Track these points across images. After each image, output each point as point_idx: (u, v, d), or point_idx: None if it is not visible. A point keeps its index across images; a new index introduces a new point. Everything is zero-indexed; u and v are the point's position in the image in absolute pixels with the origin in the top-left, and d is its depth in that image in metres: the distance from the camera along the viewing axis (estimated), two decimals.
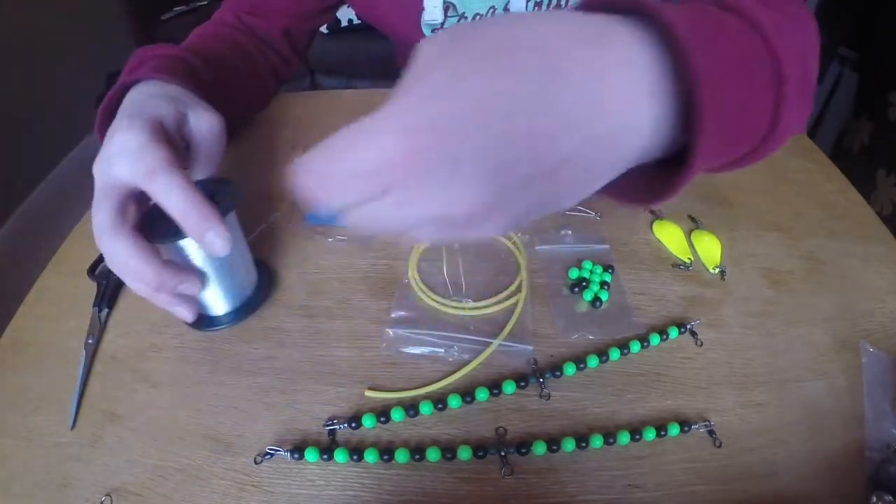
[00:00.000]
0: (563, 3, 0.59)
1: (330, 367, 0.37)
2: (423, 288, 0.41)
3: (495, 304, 0.40)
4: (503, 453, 0.32)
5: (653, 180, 0.24)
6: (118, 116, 0.34)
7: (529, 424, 0.34)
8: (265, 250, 0.45)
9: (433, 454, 0.32)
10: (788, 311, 0.40)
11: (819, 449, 0.33)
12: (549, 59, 0.19)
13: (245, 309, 0.39)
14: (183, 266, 0.34)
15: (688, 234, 0.46)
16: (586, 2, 0.23)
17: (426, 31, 0.63)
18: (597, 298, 0.40)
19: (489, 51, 0.19)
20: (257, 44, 0.61)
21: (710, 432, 0.33)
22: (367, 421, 0.33)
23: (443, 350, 0.37)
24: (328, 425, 0.33)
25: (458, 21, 0.61)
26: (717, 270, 0.43)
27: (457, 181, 0.19)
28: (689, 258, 0.44)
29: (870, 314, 0.40)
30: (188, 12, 1.92)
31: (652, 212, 0.48)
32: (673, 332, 0.38)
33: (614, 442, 0.32)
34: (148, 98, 0.36)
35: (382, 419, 0.33)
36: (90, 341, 0.39)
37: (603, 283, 0.41)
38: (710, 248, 0.44)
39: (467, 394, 0.34)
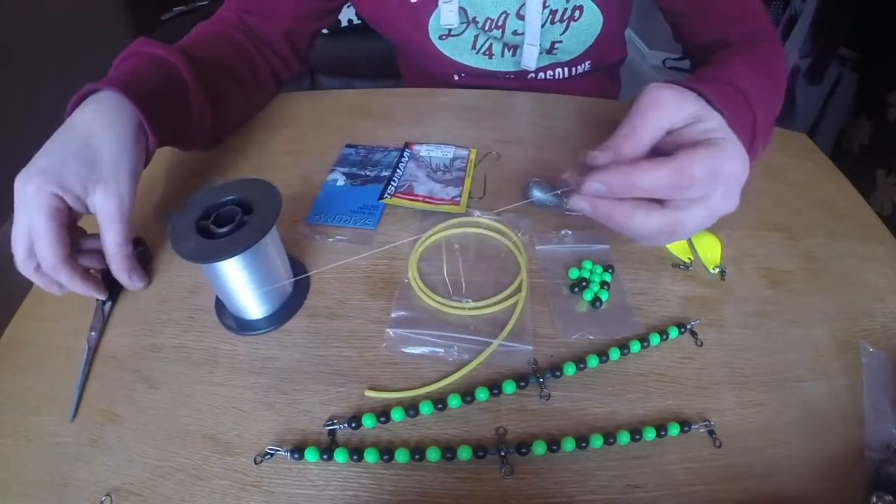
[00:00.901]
0: (576, 14, 0.59)
1: (330, 367, 0.37)
2: (423, 288, 0.41)
3: (495, 304, 0.40)
4: (503, 453, 0.32)
5: None
6: (53, 139, 0.39)
7: (529, 424, 0.34)
8: None
9: (433, 454, 0.32)
10: (788, 311, 0.40)
11: (819, 449, 0.33)
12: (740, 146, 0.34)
13: (283, 313, 0.40)
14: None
15: None
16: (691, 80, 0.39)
17: (433, 36, 0.63)
18: (597, 298, 0.40)
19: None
20: (257, 44, 0.61)
21: (710, 432, 0.33)
22: (367, 421, 0.33)
23: (443, 350, 0.37)
24: (328, 425, 0.33)
25: (469, 26, 0.61)
26: (717, 270, 0.43)
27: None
28: (689, 258, 0.44)
29: (870, 314, 0.40)
30: (188, 12, 1.91)
31: None
32: (673, 332, 0.38)
33: (614, 442, 0.32)
34: (76, 149, 0.38)
35: (382, 419, 0.33)
36: (93, 334, 0.39)
37: (603, 283, 0.41)
38: (710, 249, 0.44)
39: (467, 394, 0.34)
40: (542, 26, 0.59)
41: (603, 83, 0.76)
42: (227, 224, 0.35)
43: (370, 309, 0.40)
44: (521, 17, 0.60)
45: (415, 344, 0.38)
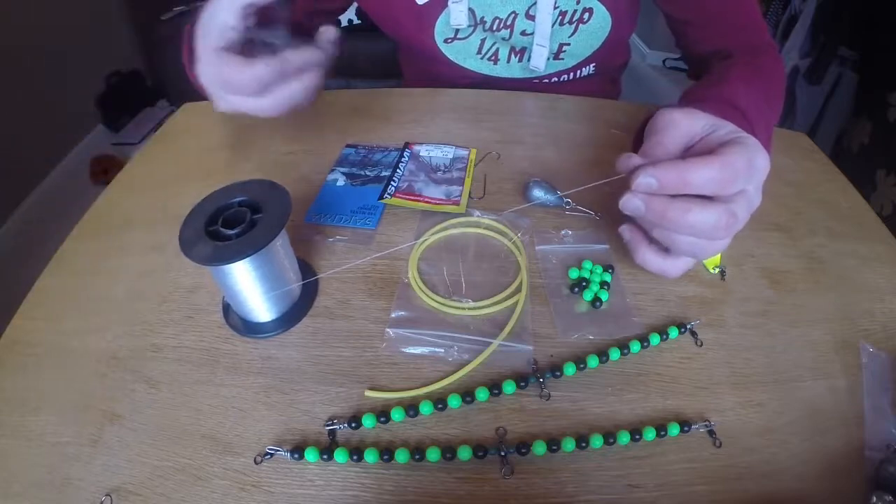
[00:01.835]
0: (586, 17, 0.59)
1: (330, 367, 0.37)
2: (423, 288, 0.41)
3: (495, 304, 0.40)
4: (503, 453, 0.32)
5: None
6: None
7: (529, 424, 0.34)
8: None
9: (433, 454, 0.32)
10: (788, 311, 0.40)
11: (819, 449, 0.33)
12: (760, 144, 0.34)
13: (292, 315, 0.40)
14: None
15: None
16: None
17: (438, 39, 0.63)
18: (597, 298, 0.40)
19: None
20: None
21: (710, 432, 0.33)
22: (367, 421, 0.33)
23: (443, 350, 0.37)
24: (328, 425, 0.33)
25: (476, 28, 0.61)
26: (717, 270, 0.43)
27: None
28: None
29: (870, 314, 0.40)
30: (188, 12, 1.91)
31: None
32: (673, 332, 0.38)
33: (614, 442, 0.32)
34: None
35: (382, 419, 0.33)
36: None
37: (603, 283, 0.41)
38: None
39: (467, 394, 0.34)
40: (552, 27, 0.59)
41: (605, 86, 0.76)
42: (236, 226, 0.35)
43: (370, 309, 0.40)
44: (530, 17, 0.60)
45: (415, 344, 0.38)
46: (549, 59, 0.63)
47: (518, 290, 0.41)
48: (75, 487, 0.31)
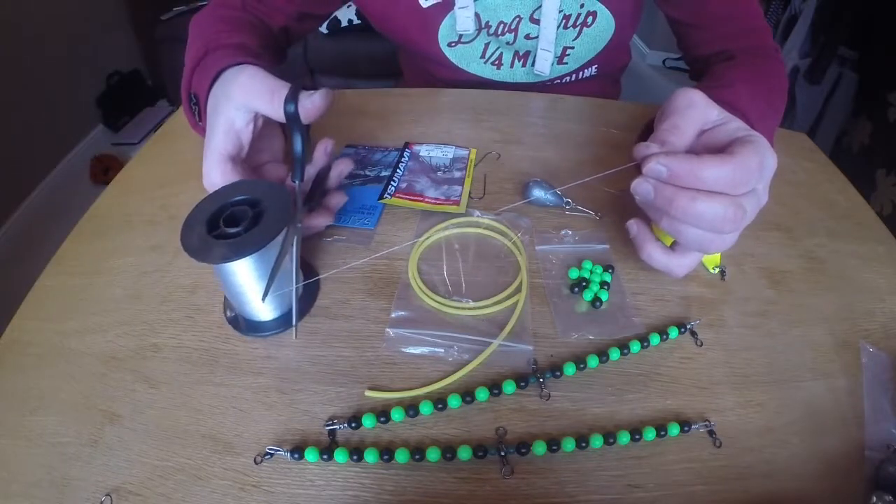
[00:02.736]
0: (590, 20, 0.59)
1: (330, 367, 0.37)
2: (423, 288, 0.41)
3: (495, 304, 0.40)
4: (503, 453, 0.32)
5: None
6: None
7: (529, 424, 0.34)
8: None
9: (433, 454, 0.32)
10: (788, 311, 0.40)
11: (819, 449, 0.33)
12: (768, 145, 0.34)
13: (292, 314, 0.39)
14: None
15: None
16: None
17: (442, 43, 0.63)
18: (597, 298, 0.40)
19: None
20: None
21: (710, 432, 0.33)
22: (367, 421, 0.33)
23: (443, 350, 0.37)
24: (328, 425, 0.33)
25: (481, 32, 0.61)
26: (717, 270, 0.43)
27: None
28: None
29: (870, 314, 0.40)
30: (188, 12, 1.92)
31: None
32: (673, 332, 0.38)
33: (614, 442, 0.32)
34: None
35: (382, 419, 0.33)
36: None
37: (603, 283, 0.41)
38: None
39: (467, 394, 0.34)
40: (556, 31, 0.59)
41: (605, 87, 0.76)
42: (239, 224, 0.35)
43: (370, 309, 0.40)
44: (534, 21, 0.60)
45: (415, 344, 0.38)
46: (553, 63, 0.63)
47: (518, 290, 0.41)
48: (75, 487, 0.31)
